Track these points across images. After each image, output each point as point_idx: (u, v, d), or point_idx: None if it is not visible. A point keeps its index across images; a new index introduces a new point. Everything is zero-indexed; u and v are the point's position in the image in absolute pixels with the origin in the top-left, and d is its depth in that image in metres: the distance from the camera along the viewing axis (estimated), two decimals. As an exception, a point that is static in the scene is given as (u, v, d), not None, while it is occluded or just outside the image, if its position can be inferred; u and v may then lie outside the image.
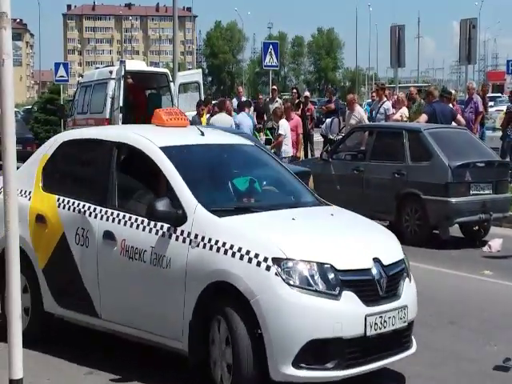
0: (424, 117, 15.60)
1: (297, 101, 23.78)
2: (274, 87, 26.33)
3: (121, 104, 20.45)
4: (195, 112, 19.48)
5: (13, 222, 4.75)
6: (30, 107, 46.74)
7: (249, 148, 7.96)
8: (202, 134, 7.41)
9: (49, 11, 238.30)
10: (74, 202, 7.24)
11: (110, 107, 20.78)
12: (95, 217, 6.97)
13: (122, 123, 20.34)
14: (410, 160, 13.25)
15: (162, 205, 6.32)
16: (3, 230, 6.71)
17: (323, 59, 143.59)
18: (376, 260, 6.13)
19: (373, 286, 6.04)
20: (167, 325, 6.40)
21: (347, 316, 5.84)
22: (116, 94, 20.58)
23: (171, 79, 22.40)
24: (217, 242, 6.10)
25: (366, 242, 6.44)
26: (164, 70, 24.60)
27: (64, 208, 7.30)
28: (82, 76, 26.00)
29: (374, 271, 6.07)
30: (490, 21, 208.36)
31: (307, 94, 26.88)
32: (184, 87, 22.11)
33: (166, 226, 6.43)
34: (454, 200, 12.63)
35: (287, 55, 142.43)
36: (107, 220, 6.88)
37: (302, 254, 5.92)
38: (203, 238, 6.17)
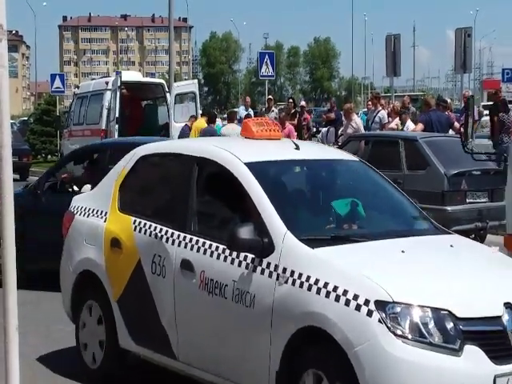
0: (420, 126, 15.66)
1: (293, 110, 23.81)
2: (270, 97, 26.38)
3: (117, 115, 20.48)
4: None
5: (9, 239, 4.71)
6: (26, 118, 46.77)
7: (351, 164, 6.90)
8: (297, 147, 6.41)
9: (45, 23, 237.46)
10: (150, 225, 6.43)
11: (106, 118, 20.83)
12: (172, 243, 6.14)
13: (118, 134, 20.40)
14: (407, 169, 13.25)
15: (245, 232, 5.45)
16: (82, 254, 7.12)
17: (319, 69, 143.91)
18: (508, 306, 4.98)
19: (504, 339, 4.89)
20: (250, 374, 5.57)
21: (471, 377, 4.71)
22: (112, 105, 20.62)
23: (167, 90, 22.43)
24: (308, 278, 5.14)
25: (494, 281, 5.27)
26: (160, 81, 24.65)
27: (140, 231, 6.49)
28: (78, 87, 26.03)
29: (506, 319, 4.91)
30: (485, 29, 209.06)
31: (303, 103, 26.94)
32: (180, 98, 22.13)
33: (250, 256, 5.54)
34: (450, 208, 12.64)
35: (283, 65, 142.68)
36: (185, 247, 6.02)
37: (412, 297, 4.85)
38: (293, 273, 5.24)
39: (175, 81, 27.16)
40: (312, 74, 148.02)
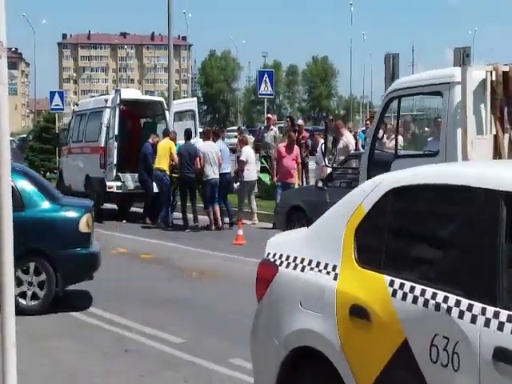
0: None
1: (291, 129, 23.87)
2: (269, 116, 26.42)
3: (116, 132, 20.49)
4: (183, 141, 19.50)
5: (8, 256, 4.69)
6: (25, 136, 46.79)
7: None
8: None
9: (44, 40, 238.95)
10: (423, 290, 4.36)
11: (106, 135, 20.83)
12: (473, 320, 4.04)
13: (117, 152, 20.40)
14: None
15: None
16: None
17: (317, 87, 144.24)
18: None
19: None
20: None
21: None
22: (111, 122, 20.64)
23: (166, 107, 22.46)
24: None
25: None
26: (159, 99, 24.70)
27: (404, 299, 4.44)
28: (77, 104, 26.11)
29: None
30: (483, 49, 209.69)
31: (301, 122, 26.97)
32: (179, 116, 22.17)
33: None
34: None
35: (282, 83, 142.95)
36: (500, 329, 3.93)
37: None
38: None
39: (174, 99, 27.26)
40: (310, 92, 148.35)
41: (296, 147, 19.42)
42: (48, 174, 35.60)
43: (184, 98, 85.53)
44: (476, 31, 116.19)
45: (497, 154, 8.02)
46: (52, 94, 34.18)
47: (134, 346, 8.62)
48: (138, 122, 23.29)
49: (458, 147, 7.99)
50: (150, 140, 20.20)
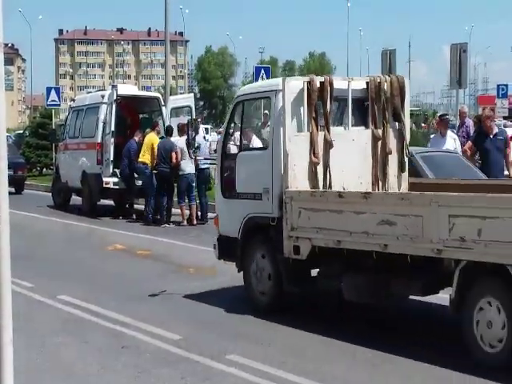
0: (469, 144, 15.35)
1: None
2: (266, 112, 26.34)
3: (112, 128, 20.47)
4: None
5: (5, 251, 4.67)
6: (21, 132, 46.70)
7: None
8: None
9: (40, 36, 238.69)
10: None
11: (102, 132, 20.82)
12: None
13: (114, 148, 20.40)
14: (402, 183, 13.20)
15: None
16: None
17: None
18: None
19: None
20: None
21: None
22: (108, 118, 20.61)
23: (163, 103, 22.43)
24: None
25: None
26: (156, 95, 24.64)
27: None
28: (73, 100, 25.99)
29: None
30: (480, 45, 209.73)
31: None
32: (176, 112, 22.12)
33: None
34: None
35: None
36: None
37: None
38: None
39: (171, 95, 27.22)
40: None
41: None
42: (44, 170, 35.57)
43: (181, 93, 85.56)
44: (473, 27, 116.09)
45: (312, 147, 9.71)
46: (48, 89, 34.07)
47: (130, 343, 8.61)
48: (134, 117, 23.26)
49: (281, 142, 9.64)
50: (136, 137, 20.28)
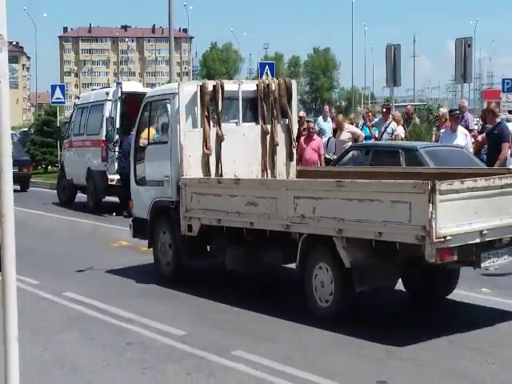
0: (506, 146, 15.23)
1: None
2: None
3: (117, 126, 20.49)
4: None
5: (10, 248, 4.69)
6: (26, 129, 46.75)
7: None
8: None
9: (45, 34, 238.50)
10: None
11: (107, 129, 20.81)
12: None
13: (119, 145, 20.40)
14: (407, 178, 13.23)
15: None
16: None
17: (319, 79, 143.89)
18: None
19: None
20: None
21: None
22: (112, 115, 20.62)
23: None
24: None
25: None
26: (160, 92, 24.56)
27: None
28: (78, 98, 26.00)
29: None
30: (485, 39, 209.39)
31: (302, 113, 26.92)
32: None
33: None
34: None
35: (284, 75, 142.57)
36: None
37: None
38: None
39: (175, 91, 27.22)
40: (312, 84, 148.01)
41: (317, 138, 19.00)
42: (49, 167, 35.62)
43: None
44: (477, 21, 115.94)
45: (204, 141, 11.44)
46: (53, 87, 34.11)
47: (135, 339, 8.63)
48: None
49: (178, 137, 11.40)
50: (133, 131, 20.21)
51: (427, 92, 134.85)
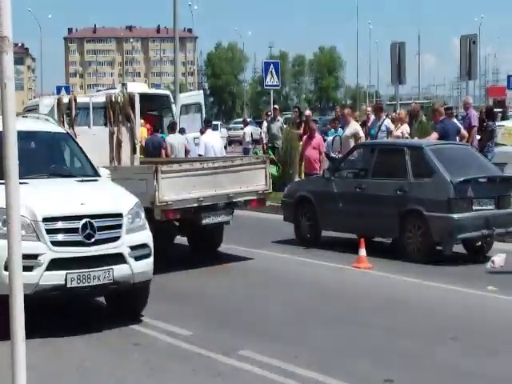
0: (435, 135, 15.69)
1: (298, 120, 23.86)
2: (276, 106, 26.38)
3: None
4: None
5: (16, 249, 4.70)
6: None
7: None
8: None
9: (50, 35, 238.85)
10: None
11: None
12: None
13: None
14: (412, 177, 13.24)
15: None
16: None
17: (324, 78, 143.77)
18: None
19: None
20: None
21: None
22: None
23: (173, 101, 22.46)
24: None
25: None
26: (166, 92, 24.69)
27: None
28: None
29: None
30: (490, 36, 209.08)
31: (308, 112, 26.94)
32: (186, 108, 22.16)
33: None
34: (456, 216, 12.61)
35: (288, 74, 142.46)
36: None
37: None
38: None
39: (181, 92, 27.25)
40: (317, 83, 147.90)
41: (318, 136, 19.09)
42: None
43: (190, 90, 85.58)
44: (482, 18, 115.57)
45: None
46: (58, 88, 34.31)
47: (142, 340, 8.64)
48: (144, 115, 23.27)
49: None
50: None
51: (432, 89, 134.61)
